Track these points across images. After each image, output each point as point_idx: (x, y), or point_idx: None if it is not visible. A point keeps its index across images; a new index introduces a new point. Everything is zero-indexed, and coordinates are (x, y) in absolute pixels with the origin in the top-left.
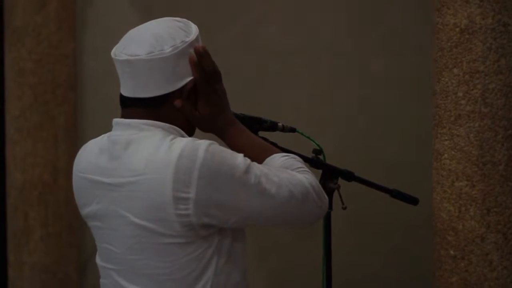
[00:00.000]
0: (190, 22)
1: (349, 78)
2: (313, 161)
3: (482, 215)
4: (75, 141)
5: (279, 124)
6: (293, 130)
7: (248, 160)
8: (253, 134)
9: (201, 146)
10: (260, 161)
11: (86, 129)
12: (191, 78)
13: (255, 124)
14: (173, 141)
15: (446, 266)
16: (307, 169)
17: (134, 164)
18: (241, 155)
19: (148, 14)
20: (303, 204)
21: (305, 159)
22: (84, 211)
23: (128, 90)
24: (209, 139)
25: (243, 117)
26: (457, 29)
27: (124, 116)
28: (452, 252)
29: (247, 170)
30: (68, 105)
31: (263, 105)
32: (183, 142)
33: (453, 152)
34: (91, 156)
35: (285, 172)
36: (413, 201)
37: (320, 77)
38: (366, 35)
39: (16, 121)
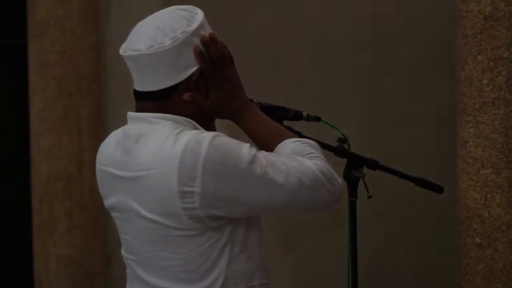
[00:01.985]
0: (197, 9)
1: (373, 67)
2: (338, 150)
3: (508, 202)
4: (99, 133)
5: (303, 113)
6: (318, 119)
7: (254, 150)
8: (268, 118)
9: (205, 139)
10: (273, 146)
11: (110, 120)
12: (196, 67)
13: (280, 113)
14: (179, 134)
15: (472, 254)
16: (318, 155)
17: (143, 158)
18: (247, 145)
19: (170, 5)
20: (313, 190)
21: (330, 148)
22: (106, 202)
23: (137, 84)
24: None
25: (268, 107)
26: (481, 16)
27: (136, 109)
28: (478, 240)
29: (252, 161)
30: (92, 97)
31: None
32: (188, 136)
33: (478, 140)
34: (108, 149)
35: (294, 159)
36: (438, 189)
37: (343, 67)
38: (389, 24)
39: (40, 114)
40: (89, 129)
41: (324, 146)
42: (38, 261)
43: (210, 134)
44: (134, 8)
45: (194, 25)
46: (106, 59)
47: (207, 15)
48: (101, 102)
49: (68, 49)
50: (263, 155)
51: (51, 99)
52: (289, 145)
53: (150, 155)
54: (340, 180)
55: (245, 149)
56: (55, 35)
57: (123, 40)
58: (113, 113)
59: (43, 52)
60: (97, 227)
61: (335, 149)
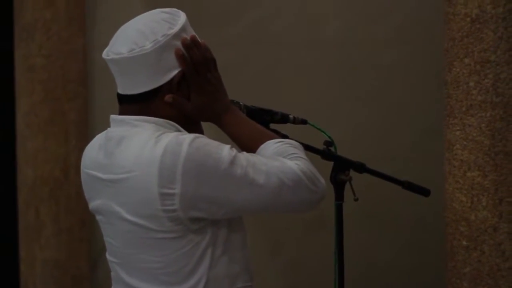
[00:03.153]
0: (179, 12)
1: (360, 69)
2: (325, 153)
3: (495, 205)
4: (85, 136)
5: (290, 116)
6: (304, 122)
7: (234, 151)
8: (250, 120)
9: (185, 141)
10: (256, 147)
11: (97, 124)
12: (178, 70)
13: (266, 116)
14: (160, 137)
15: (458, 256)
16: (301, 155)
17: (124, 161)
18: (227, 146)
19: (157, 8)
20: (295, 190)
21: (317, 151)
22: (90, 205)
23: (119, 87)
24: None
25: (254, 109)
26: (468, 19)
27: (120, 112)
28: (464, 242)
29: (232, 162)
30: (79, 101)
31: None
32: (168, 138)
33: (465, 142)
34: (92, 152)
35: (276, 159)
36: (425, 192)
37: (331, 68)
38: (378, 25)
39: (26, 117)
40: (76, 132)
41: (310, 149)
42: (24, 265)
43: (191, 135)
44: (121, 12)
45: (176, 28)
46: (92, 63)
47: (195, 17)
48: (88, 105)
49: (54, 53)
50: (244, 156)
51: (38, 102)
52: (271, 146)
53: (131, 157)
54: (323, 180)
55: (226, 150)
56: (41, 38)
57: (109, 43)
58: (99, 117)
59: (29, 56)
60: (83, 231)
61: (322, 152)
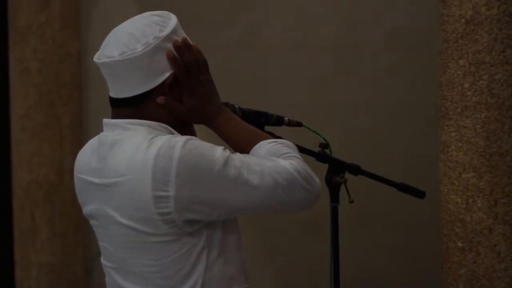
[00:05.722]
0: (171, 14)
1: (355, 73)
2: (320, 155)
3: (490, 206)
4: (80, 140)
5: (285, 118)
6: (299, 124)
7: (228, 152)
8: (243, 121)
9: (178, 143)
10: (249, 148)
11: (91, 128)
12: (170, 72)
13: (261, 118)
14: (152, 140)
15: (454, 258)
16: (294, 154)
17: (117, 165)
18: (220, 147)
19: (152, 11)
20: (290, 190)
21: (312, 153)
22: (84, 210)
23: (112, 91)
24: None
25: (249, 112)
26: (463, 20)
27: (112, 116)
28: (460, 244)
29: (226, 163)
30: (73, 105)
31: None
32: (161, 141)
33: (460, 144)
34: (85, 157)
35: (270, 160)
36: (420, 194)
37: (325, 72)
38: (371, 30)
39: (21, 121)
40: (70, 136)
41: (306, 151)
42: (19, 269)
43: (183, 138)
44: (115, 15)
45: (167, 31)
46: (87, 67)
47: (188, 22)
48: (82, 109)
49: (49, 57)
50: (237, 156)
51: (32, 106)
52: (265, 146)
53: (124, 161)
54: (318, 179)
55: (219, 152)
56: (36, 42)
57: None
58: (94, 121)
59: (24, 60)
60: (78, 235)
61: (317, 154)
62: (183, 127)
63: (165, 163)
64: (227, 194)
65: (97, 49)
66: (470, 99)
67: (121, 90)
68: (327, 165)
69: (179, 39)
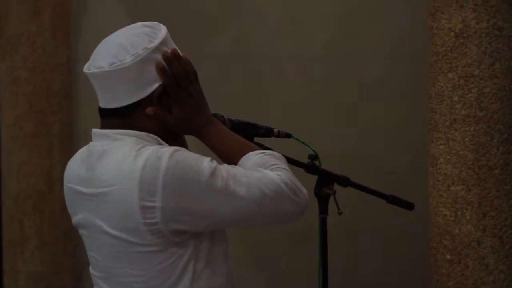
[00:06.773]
0: (160, 25)
1: (344, 83)
2: (309, 167)
3: (478, 219)
4: (70, 149)
5: (274, 130)
6: (288, 136)
7: (215, 163)
8: (232, 132)
9: (165, 154)
10: (237, 159)
11: (81, 137)
12: (159, 83)
13: (251, 130)
14: (140, 150)
15: (442, 270)
16: (282, 166)
17: (105, 175)
18: (207, 159)
19: (143, 21)
20: (277, 202)
21: (301, 164)
22: (73, 219)
23: (101, 101)
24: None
25: (238, 123)
26: (452, 34)
27: (101, 126)
28: (448, 256)
29: (213, 174)
30: (63, 114)
31: (257, 112)
32: (148, 151)
33: (448, 157)
34: (74, 166)
35: (257, 171)
36: (409, 206)
37: (315, 83)
38: (362, 40)
39: (10, 130)
40: (60, 146)
41: (295, 162)
42: (8, 278)
43: (170, 148)
44: (106, 25)
45: (156, 42)
46: (77, 76)
47: (179, 31)
48: (72, 119)
49: (39, 66)
50: (224, 168)
51: (22, 115)
52: (253, 157)
53: (112, 171)
54: (305, 190)
55: (206, 163)
56: (26, 51)
57: None
58: (84, 130)
59: (14, 68)
60: (67, 244)
61: (306, 166)
62: (172, 138)
63: (152, 173)
64: (213, 205)
65: (88, 59)
66: (459, 112)
67: (110, 100)
68: (316, 176)
69: (169, 50)
